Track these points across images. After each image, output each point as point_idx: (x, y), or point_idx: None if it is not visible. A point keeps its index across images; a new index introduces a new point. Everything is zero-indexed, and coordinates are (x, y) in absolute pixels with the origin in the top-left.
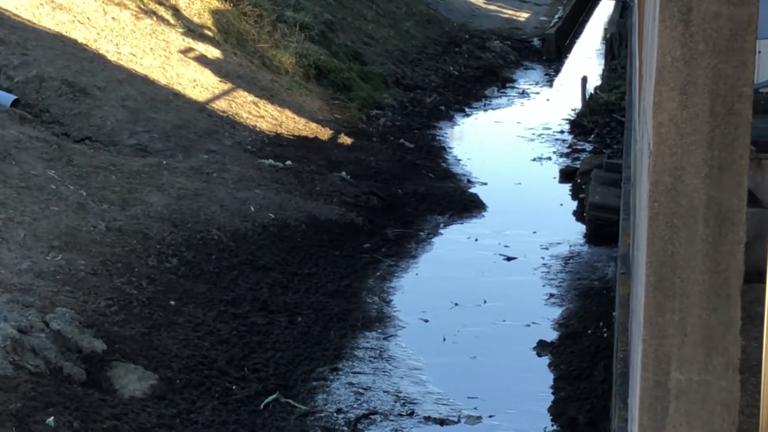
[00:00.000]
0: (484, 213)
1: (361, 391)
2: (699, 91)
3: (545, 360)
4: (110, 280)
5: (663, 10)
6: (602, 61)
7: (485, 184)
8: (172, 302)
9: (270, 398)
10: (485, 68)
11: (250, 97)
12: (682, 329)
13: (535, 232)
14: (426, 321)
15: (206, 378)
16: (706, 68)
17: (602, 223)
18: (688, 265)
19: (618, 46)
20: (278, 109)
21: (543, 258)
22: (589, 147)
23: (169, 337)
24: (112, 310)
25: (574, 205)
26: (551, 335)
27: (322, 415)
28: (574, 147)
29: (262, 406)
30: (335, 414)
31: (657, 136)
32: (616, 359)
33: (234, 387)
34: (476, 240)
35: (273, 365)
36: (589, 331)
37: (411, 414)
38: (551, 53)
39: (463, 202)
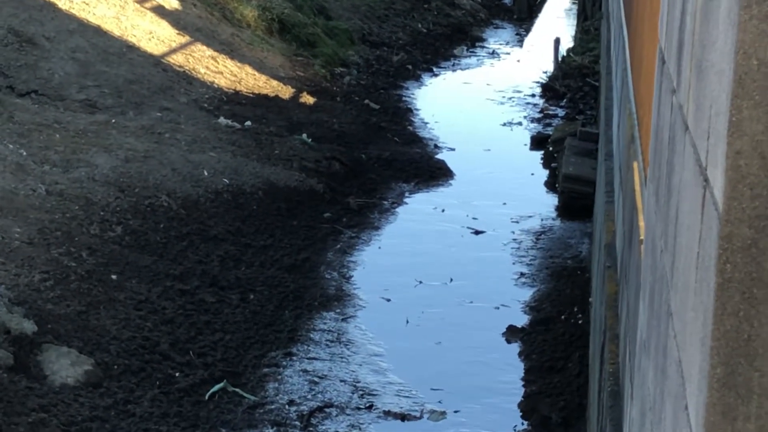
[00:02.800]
0: (451, 181)
1: (316, 379)
2: None
3: (515, 347)
4: (47, 251)
5: None
6: (574, 22)
7: (453, 149)
8: (114, 276)
9: (216, 387)
10: (454, 26)
11: (209, 52)
12: None
13: (504, 204)
14: (388, 300)
15: (147, 363)
16: None
17: (576, 196)
18: None
19: (591, 6)
20: (238, 64)
21: (513, 232)
22: (561, 112)
23: (108, 317)
24: (47, 285)
25: (545, 174)
26: (522, 319)
27: (273, 407)
28: (545, 112)
29: (207, 397)
30: (287, 406)
31: (733, 170)
32: (602, 371)
33: (177, 374)
34: (443, 211)
35: (221, 349)
36: (563, 317)
37: (369, 407)
38: (522, 12)
39: (429, 169)
